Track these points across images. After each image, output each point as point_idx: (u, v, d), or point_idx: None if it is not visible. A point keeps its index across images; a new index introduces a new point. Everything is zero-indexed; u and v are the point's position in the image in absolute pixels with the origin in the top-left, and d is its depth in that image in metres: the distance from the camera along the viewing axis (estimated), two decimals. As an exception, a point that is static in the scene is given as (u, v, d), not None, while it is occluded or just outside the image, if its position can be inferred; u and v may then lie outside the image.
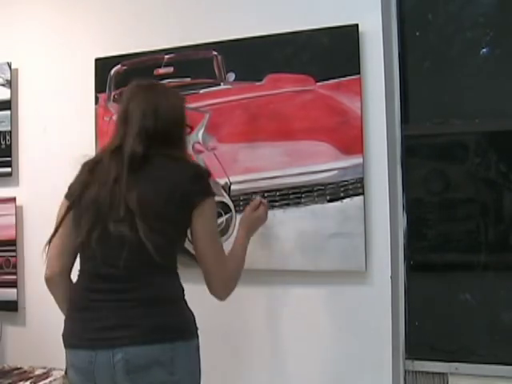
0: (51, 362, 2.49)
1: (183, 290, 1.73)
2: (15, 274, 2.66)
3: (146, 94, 1.73)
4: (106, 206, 1.62)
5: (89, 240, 1.63)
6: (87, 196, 1.68)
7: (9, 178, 2.71)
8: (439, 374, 2.19)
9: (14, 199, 2.68)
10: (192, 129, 1.90)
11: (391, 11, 2.26)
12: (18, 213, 2.68)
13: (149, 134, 1.67)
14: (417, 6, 2.33)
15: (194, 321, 1.70)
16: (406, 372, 2.22)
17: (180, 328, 1.64)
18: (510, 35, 2.23)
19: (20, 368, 2.52)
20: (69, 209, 1.74)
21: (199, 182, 1.69)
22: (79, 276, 1.73)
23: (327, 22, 2.18)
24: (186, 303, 1.71)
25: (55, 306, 2.56)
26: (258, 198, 2.12)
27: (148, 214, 1.59)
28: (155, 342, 1.56)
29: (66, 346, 1.67)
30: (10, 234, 2.68)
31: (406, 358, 2.22)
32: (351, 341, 2.18)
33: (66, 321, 1.72)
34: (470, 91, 2.29)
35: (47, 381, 2.35)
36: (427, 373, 2.21)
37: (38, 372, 2.45)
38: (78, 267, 1.74)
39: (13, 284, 2.66)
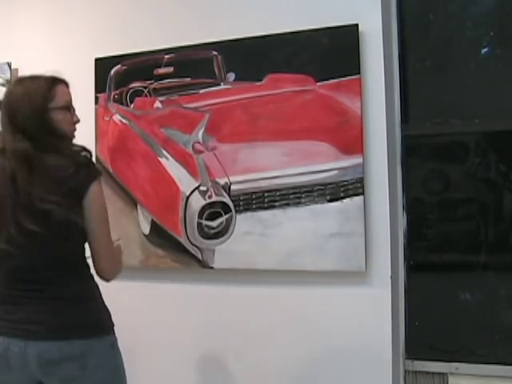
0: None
1: (97, 288, 1.74)
2: (15, 274, 2.65)
3: (9, 92, 1.77)
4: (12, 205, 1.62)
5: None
6: None
7: (9, 177, 2.70)
8: (439, 373, 2.19)
9: (13, 199, 2.67)
10: (70, 108, 1.83)
11: (391, 11, 2.26)
12: (18, 213, 2.67)
13: (18, 133, 1.66)
14: (417, 6, 2.33)
15: (110, 318, 1.73)
16: (405, 372, 2.22)
17: (93, 324, 1.67)
18: (511, 35, 2.22)
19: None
20: None
21: (79, 172, 1.65)
22: None
23: (327, 22, 2.18)
24: (101, 300, 1.73)
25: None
26: None
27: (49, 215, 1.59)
28: (65, 338, 1.61)
29: None
30: (9, 234, 2.67)
31: (405, 358, 2.22)
32: (351, 341, 2.18)
33: None
34: (470, 91, 2.29)
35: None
36: (427, 373, 2.21)
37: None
38: None
39: (13, 284, 2.65)
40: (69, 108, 1.83)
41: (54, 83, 1.85)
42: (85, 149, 1.73)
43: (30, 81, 1.84)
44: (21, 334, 1.61)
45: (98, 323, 1.70)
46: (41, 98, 1.77)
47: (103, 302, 1.74)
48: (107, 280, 1.74)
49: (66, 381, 1.62)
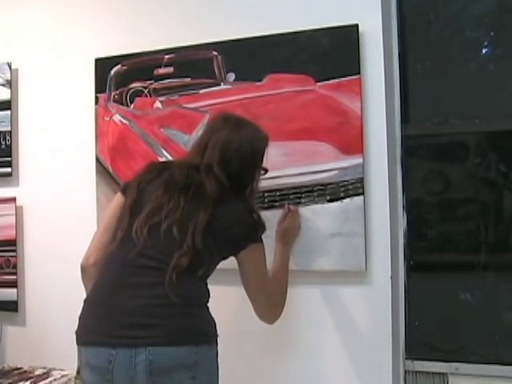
0: (51, 362, 2.49)
1: (209, 296, 1.74)
2: (15, 274, 2.66)
3: (230, 130, 1.79)
4: (165, 208, 1.65)
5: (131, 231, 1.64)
6: (147, 193, 1.72)
7: (9, 178, 2.71)
8: (439, 373, 2.19)
9: (14, 199, 2.68)
10: (266, 171, 1.95)
11: (391, 11, 2.26)
12: (18, 213, 2.68)
13: (228, 166, 1.73)
14: (417, 6, 2.33)
15: (215, 327, 1.71)
16: (406, 372, 2.22)
17: (205, 331, 1.64)
18: (511, 35, 2.22)
19: (20, 368, 2.52)
20: (121, 203, 1.79)
21: (250, 226, 1.76)
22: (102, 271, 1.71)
23: (327, 22, 2.18)
24: (208, 309, 1.72)
25: (55, 305, 2.58)
26: (285, 206, 2.12)
27: (206, 230, 1.63)
28: (179, 343, 1.54)
29: (80, 344, 1.62)
30: (10, 234, 2.68)
31: (406, 358, 2.22)
32: (351, 341, 2.18)
33: (81, 316, 1.67)
34: (470, 91, 2.29)
35: (47, 381, 2.34)
36: (427, 373, 2.21)
37: (37, 372, 2.45)
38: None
39: (13, 284, 2.66)
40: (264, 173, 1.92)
41: (268, 140, 1.90)
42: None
43: (253, 128, 1.88)
44: (130, 342, 1.51)
45: (211, 330, 1.67)
46: (262, 152, 1.86)
47: (208, 308, 1.73)
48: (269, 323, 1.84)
49: None
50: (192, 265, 1.63)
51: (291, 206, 2.12)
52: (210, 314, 1.72)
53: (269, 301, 1.83)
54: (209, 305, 1.77)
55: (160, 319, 1.55)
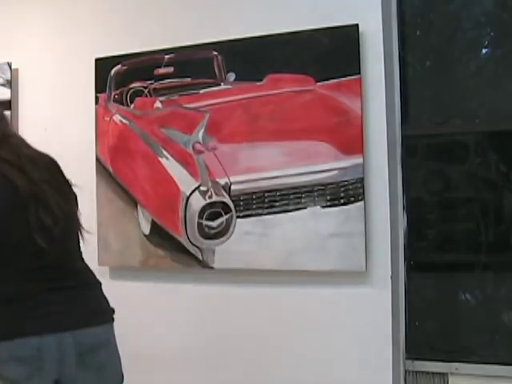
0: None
1: None
2: (15, 274, 2.65)
3: None
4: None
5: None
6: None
7: (9, 178, 2.70)
8: (439, 373, 2.19)
9: (14, 199, 2.67)
10: None
11: (391, 11, 2.26)
12: (18, 213, 2.67)
13: None
14: (417, 6, 2.33)
15: None
16: (406, 372, 2.22)
17: (110, 311, 1.69)
18: (511, 35, 2.22)
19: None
20: None
21: None
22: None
23: (327, 22, 2.18)
24: None
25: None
26: None
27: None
28: (96, 324, 1.60)
29: (2, 339, 1.59)
30: (10, 234, 2.67)
31: (406, 358, 2.22)
32: (351, 341, 2.18)
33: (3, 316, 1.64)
34: (470, 91, 2.29)
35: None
36: (427, 373, 2.21)
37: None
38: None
39: (13, 284, 2.65)
40: None
41: None
42: None
43: None
44: (55, 327, 1.55)
45: (111, 309, 1.71)
46: None
47: None
48: None
49: (98, 369, 1.60)
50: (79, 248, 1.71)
51: None
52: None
53: None
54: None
55: (73, 304, 1.61)
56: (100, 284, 1.71)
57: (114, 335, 1.67)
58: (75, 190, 1.82)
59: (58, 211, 1.62)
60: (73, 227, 1.69)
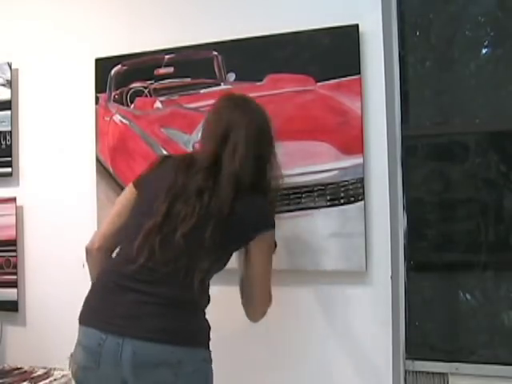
0: (51, 361, 2.49)
1: (209, 302, 1.77)
2: (15, 274, 2.66)
3: (246, 113, 1.81)
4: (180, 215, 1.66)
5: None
6: (164, 185, 1.71)
7: (9, 178, 2.71)
8: (439, 373, 2.19)
9: (14, 199, 2.68)
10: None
11: (391, 11, 2.26)
12: (18, 213, 2.68)
13: (249, 160, 1.74)
14: (417, 6, 2.33)
15: (209, 332, 1.73)
16: (406, 372, 2.22)
17: (190, 334, 1.66)
18: (511, 35, 2.22)
19: (20, 368, 2.52)
20: (132, 196, 1.81)
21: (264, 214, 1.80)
22: (114, 257, 1.77)
23: (327, 22, 2.18)
24: (204, 314, 1.75)
25: (55, 306, 2.58)
26: None
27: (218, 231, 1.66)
28: (162, 342, 1.58)
29: (79, 322, 1.68)
30: (10, 234, 2.68)
31: (406, 358, 2.22)
32: (351, 341, 2.18)
33: (87, 298, 1.72)
34: (470, 91, 2.29)
35: (47, 381, 2.34)
36: (427, 373, 2.21)
37: (38, 372, 2.45)
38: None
39: (13, 284, 2.66)
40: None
41: None
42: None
43: (260, 109, 1.90)
44: (118, 330, 1.57)
45: (200, 333, 1.70)
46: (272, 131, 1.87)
47: (205, 314, 1.75)
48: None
49: None
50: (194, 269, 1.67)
51: None
52: (203, 318, 1.75)
53: (266, 293, 1.84)
54: (210, 305, 1.78)
55: (144, 315, 1.60)
56: (195, 308, 1.70)
57: (179, 357, 1.60)
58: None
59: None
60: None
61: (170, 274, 1.63)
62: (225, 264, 1.80)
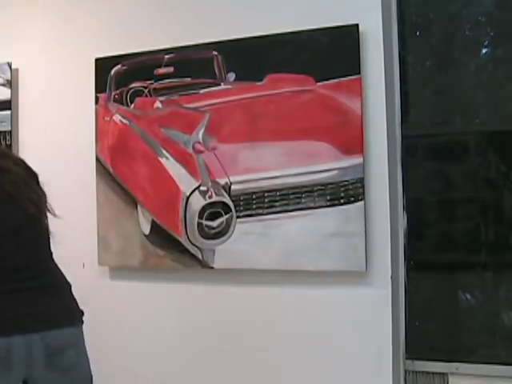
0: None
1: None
2: (15, 273, 2.65)
3: None
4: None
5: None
6: None
7: (9, 177, 2.70)
8: (439, 373, 2.19)
9: (14, 199, 2.67)
10: None
11: (391, 11, 2.26)
12: (18, 213, 2.67)
13: None
14: (417, 6, 2.33)
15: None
16: (406, 372, 2.22)
17: (79, 312, 1.72)
18: (511, 35, 2.22)
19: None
20: None
21: None
22: None
23: (327, 22, 2.18)
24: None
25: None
26: None
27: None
28: (67, 325, 1.64)
29: None
30: (10, 233, 2.67)
31: (406, 358, 2.22)
32: (351, 341, 2.18)
33: None
34: (470, 91, 2.29)
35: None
36: (427, 373, 2.21)
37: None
38: None
39: (13, 284, 2.65)
40: None
41: None
42: None
43: None
44: (23, 329, 1.58)
45: (80, 310, 1.74)
46: None
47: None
48: None
49: (66, 370, 1.63)
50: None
51: None
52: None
53: None
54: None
55: (43, 307, 1.63)
56: (70, 285, 1.73)
57: (82, 337, 1.70)
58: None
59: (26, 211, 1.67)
60: (41, 227, 1.71)
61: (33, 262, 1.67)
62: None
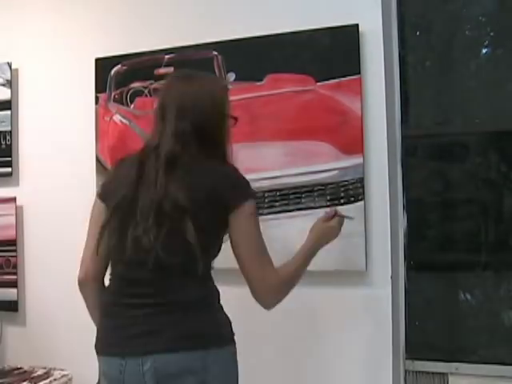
0: (51, 361, 2.49)
1: (218, 294, 1.66)
2: (15, 273, 2.66)
3: (182, 86, 1.67)
4: (143, 207, 1.55)
5: (122, 241, 1.56)
6: (123, 196, 1.59)
7: (9, 178, 2.71)
8: (439, 373, 2.19)
9: (14, 199, 2.68)
10: (236, 120, 1.76)
11: (391, 11, 2.26)
12: (18, 213, 2.68)
13: (186, 133, 1.58)
14: (417, 6, 2.33)
15: (230, 326, 1.66)
16: (406, 372, 2.22)
17: (213, 334, 1.58)
18: (511, 35, 2.22)
19: (20, 368, 2.52)
20: (102, 209, 1.67)
21: (237, 186, 1.61)
22: (110, 281, 1.66)
23: (327, 22, 2.18)
24: (221, 307, 1.66)
25: (55, 306, 2.58)
26: (332, 209, 1.94)
27: (187, 217, 1.52)
28: (185, 349, 1.51)
29: (97, 353, 1.62)
30: (10, 234, 2.68)
31: (406, 358, 2.22)
32: (351, 341, 2.18)
33: (98, 327, 1.66)
34: (470, 91, 2.29)
35: (47, 381, 2.34)
36: (427, 373, 2.21)
37: (38, 372, 2.45)
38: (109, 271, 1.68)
39: (13, 284, 2.66)
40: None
41: (227, 88, 1.80)
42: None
43: (207, 78, 1.77)
44: (137, 350, 1.51)
45: (221, 331, 1.61)
46: (225, 101, 1.72)
47: (222, 307, 1.65)
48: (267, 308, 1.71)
49: None
50: (188, 262, 1.55)
51: (338, 211, 1.92)
52: (222, 313, 1.65)
53: (263, 271, 1.66)
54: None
55: (162, 326, 1.52)
56: (200, 304, 1.58)
57: (204, 362, 1.52)
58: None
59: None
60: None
61: (161, 276, 1.54)
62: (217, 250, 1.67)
